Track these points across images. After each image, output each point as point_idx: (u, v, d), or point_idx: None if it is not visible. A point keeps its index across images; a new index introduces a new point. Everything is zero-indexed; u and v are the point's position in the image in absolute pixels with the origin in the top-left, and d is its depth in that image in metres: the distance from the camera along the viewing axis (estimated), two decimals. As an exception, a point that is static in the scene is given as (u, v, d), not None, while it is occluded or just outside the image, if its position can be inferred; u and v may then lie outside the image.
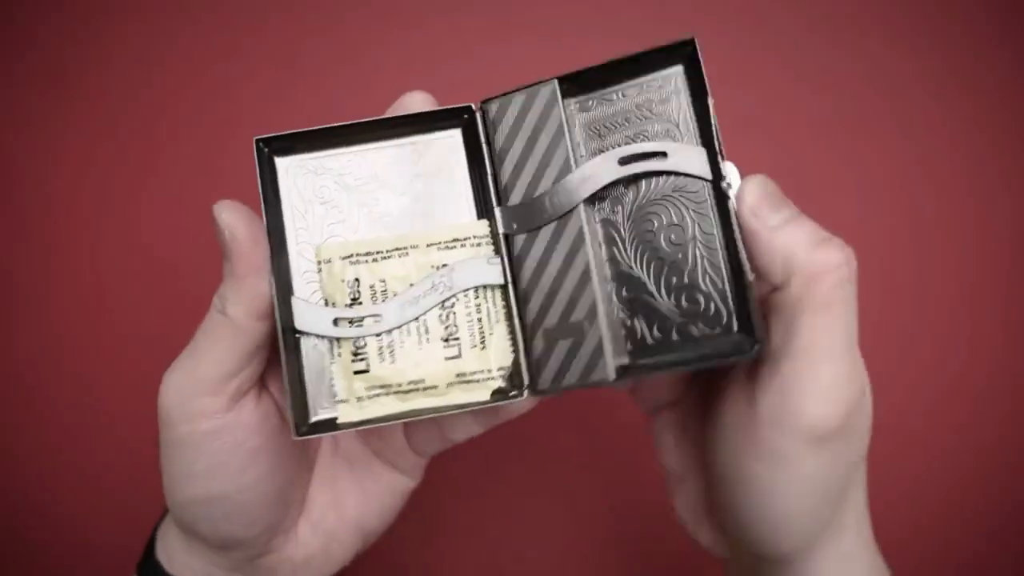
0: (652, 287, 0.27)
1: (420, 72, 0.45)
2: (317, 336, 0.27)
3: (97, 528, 0.46)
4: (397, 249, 0.28)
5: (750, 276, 0.25)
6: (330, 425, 0.27)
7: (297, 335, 0.27)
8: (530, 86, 0.28)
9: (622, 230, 0.27)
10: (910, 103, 0.44)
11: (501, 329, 0.27)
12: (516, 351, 0.27)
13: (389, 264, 0.27)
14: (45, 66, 0.47)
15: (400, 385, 0.27)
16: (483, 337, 0.27)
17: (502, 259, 0.27)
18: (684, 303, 0.26)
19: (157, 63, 0.46)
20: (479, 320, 0.27)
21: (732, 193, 0.26)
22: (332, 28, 0.46)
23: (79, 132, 0.46)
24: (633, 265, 0.27)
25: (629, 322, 0.27)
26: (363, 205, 0.28)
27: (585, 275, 0.26)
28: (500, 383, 0.27)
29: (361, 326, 0.27)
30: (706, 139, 0.26)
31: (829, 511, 0.26)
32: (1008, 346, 0.43)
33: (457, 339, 0.27)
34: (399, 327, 0.27)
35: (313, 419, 0.27)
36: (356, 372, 0.27)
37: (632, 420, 0.44)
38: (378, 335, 0.27)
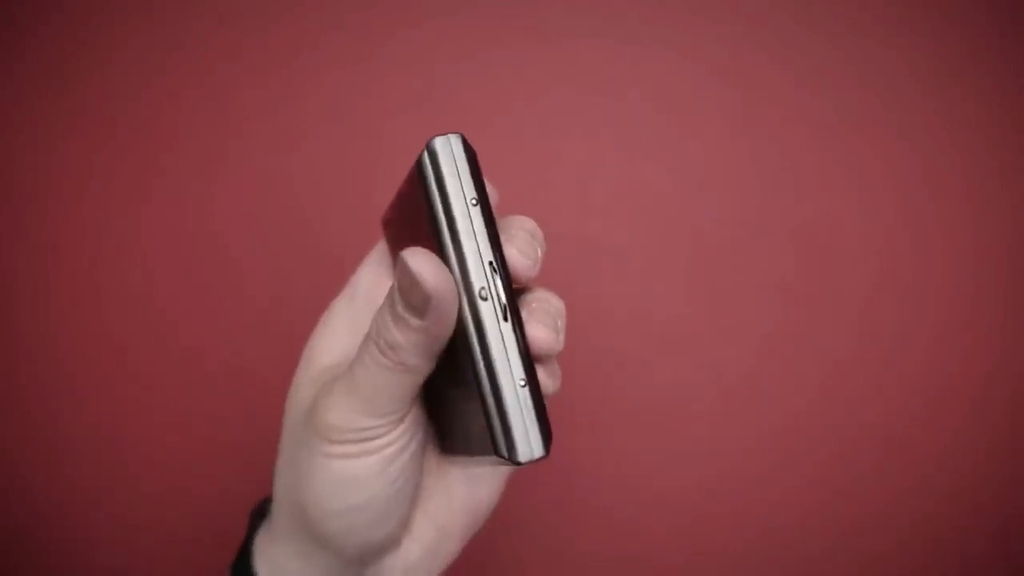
0: None
1: (420, 74, 0.46)
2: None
3: (97, 528, 0.46)
4: None
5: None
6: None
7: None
8: None
9: None
10: (909, 103, 0.44)
11: None
12: None
13: None
14: (45, 66, 0.47)
15: None
16: None
17: None
18: None
19: (157, 64, 0.46)
20: None
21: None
22: (333, 30, 0.46)
23: (79, 133, 0.46)
24: None
25: None
26: None
27: None
28: None
29: None
30: None
31: None
32: (1007, 346, 0.43)
33: None
34: None
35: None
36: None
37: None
38: None
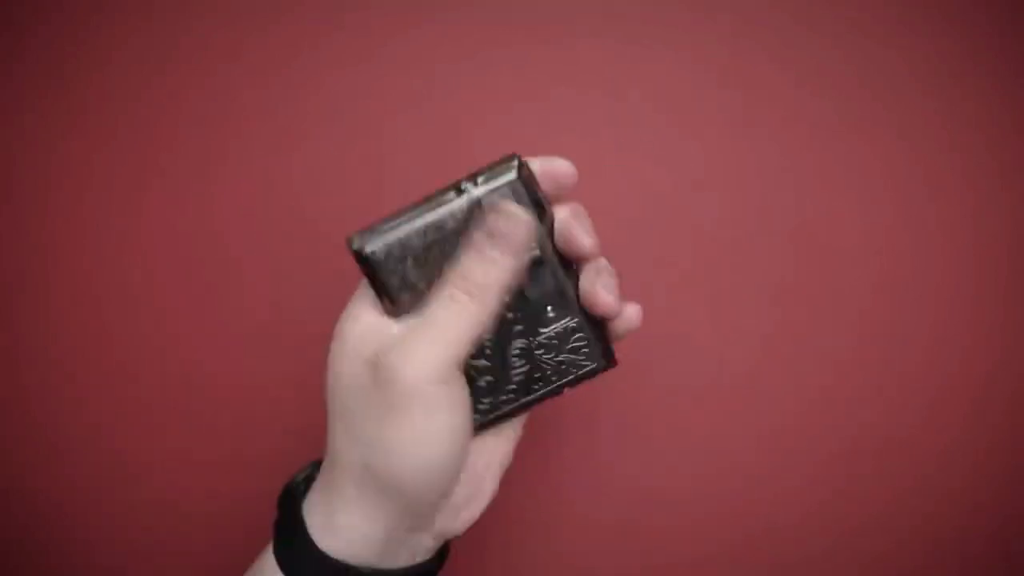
0: None
1: (420, 74, 0.46)
2: None
3: (97, 528, 0.46)
4: None
5: None
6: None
7: None
8: None
9: None
10: (909, 103, 0.44)
11: None
12: None
13: None
14: (45, 66, 0.47)
15: None
16: None
17: None
18: None
19: (157, 64, 0.46)
20: None
21: None
22: (333, 30, 0.46)
23: (79, 133, 0.46)
24: None
25: None
26: None
27: None
28: None
29: None
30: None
31: None
32: (1007, 346, 0.43)
33: None
34: None
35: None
36: None
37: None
38: None
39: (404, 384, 0.28)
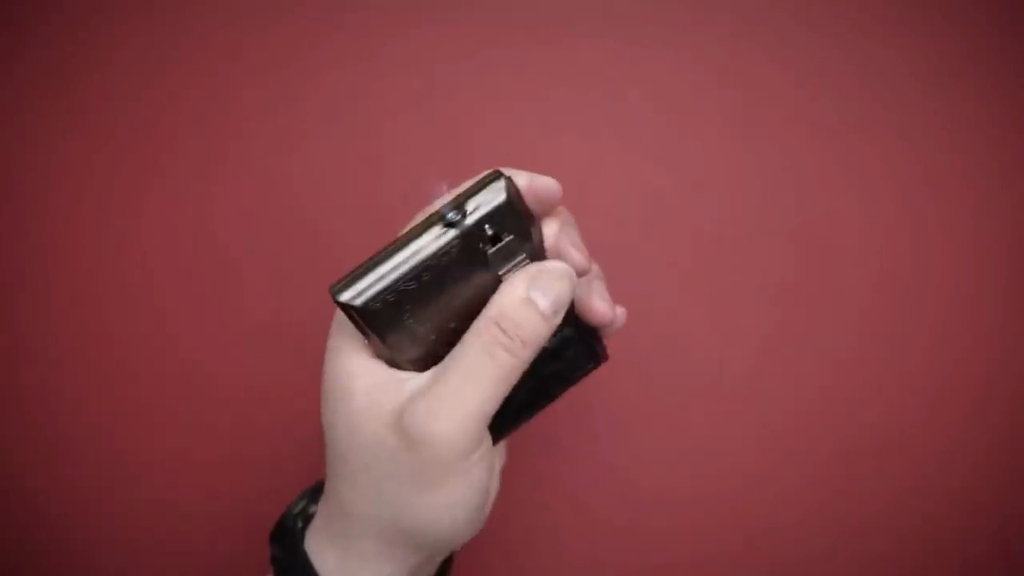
0: None
1: (420, 74, 0.46)
2: None
3: (97, 528, 0.46)
4: None
5: None
6: None
7: None
8: None
9: None
10: (909, 103, 0.44)
11: None
12: None
13: None
14: (45, 66, 0.47)
15: None
16: None
17: None
18: None
19: (157, 64, 0.46)
20: None
21: None
22: (333, 30, 0.46)
23: (79, 133, 0.46)
24: None
25: None
26: None
27: None
28: None
29: None
30: None
31: None
32: (1007, 346, 0.43)
33: None
34: None
35: None
36: None
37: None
38: None
39: (448, 454, 0.27)
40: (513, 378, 0.28)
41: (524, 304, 0.27)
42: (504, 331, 0.27)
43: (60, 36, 0.47)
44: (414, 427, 0.27)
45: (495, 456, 0.30)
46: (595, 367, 0.33)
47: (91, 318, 0.46)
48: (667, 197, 0.45)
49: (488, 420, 0.28)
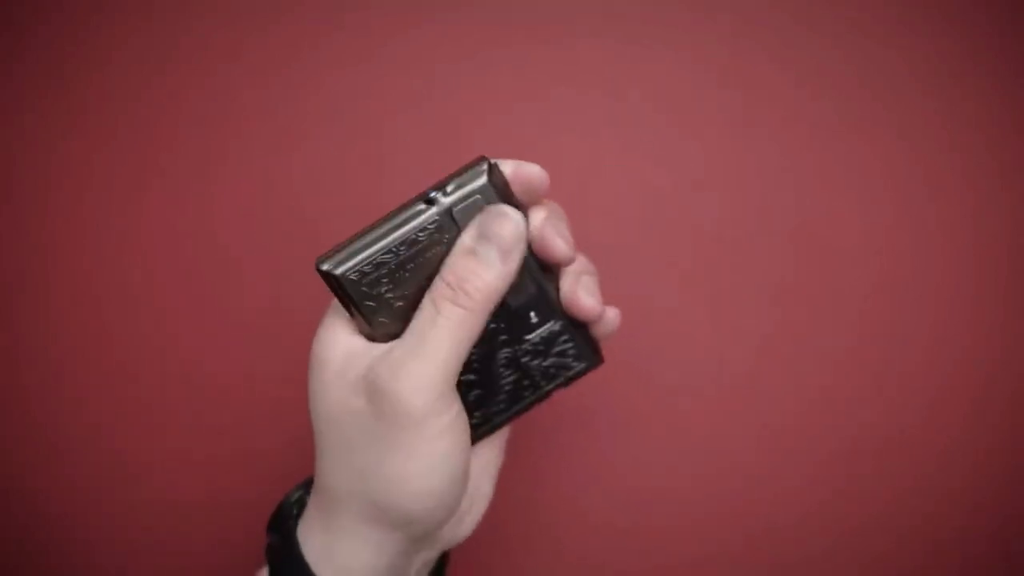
0: None
1: (420, 74, 0.46)
2: None
3: (97, 528, 0.46)
4: None
5: None
6: None
7: None
8: None
9: None
10: (909, 103, 0.44)
11: None
12: None
13: None
14: (45, 66, 0.47)
15: None
16: None
17: None
18: None
19: (157, 64, 0.46)
20: None
21: None
22: (333, 30, 0.46)
23: (79, 133, 0.46)
24: None
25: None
26: None
27: None
28: None
29: None
30: None
31: None
32: (1007, 346, 0.43)
33: None
34: None
35: None
36: None
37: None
38: None
39: (407, 412, 0.27)
40: (469, 331, 0.28)
41: (465, 253, 0.28)
42: (449, 284, 0.28)
43: (60, 36, 0.47)
44: (378, 387, 0.27)
45: (465, 428, 0.29)
46: (588, 369, 0.33)
47: (91, 318, 0.46)
48: (667, 197, 0.45)
49: (451, 379, 0.28)
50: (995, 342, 0.43)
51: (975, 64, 0.44)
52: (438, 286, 0.28)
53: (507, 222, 0.28)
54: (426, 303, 0.28)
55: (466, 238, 0.28)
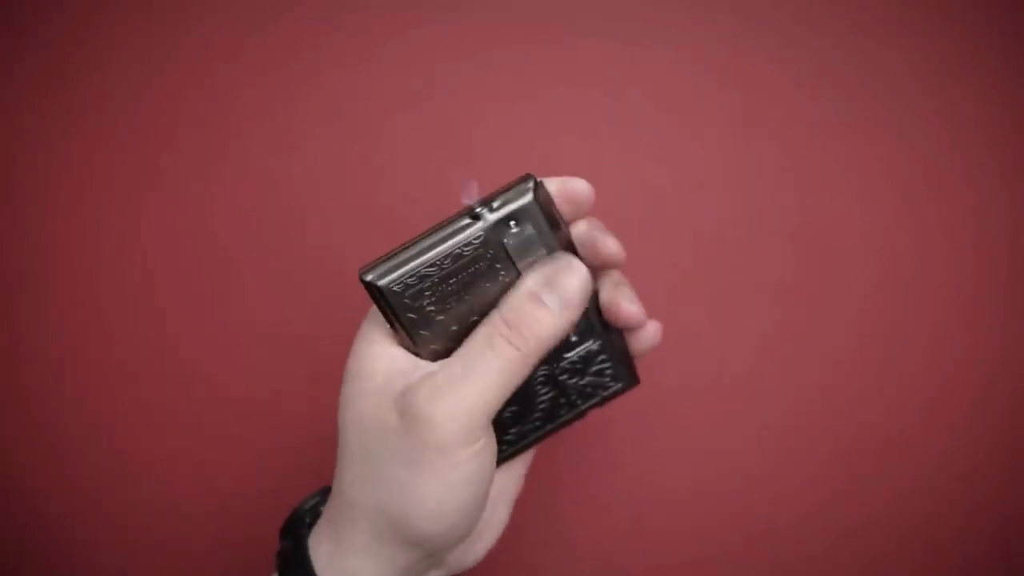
0: None
1: (420, 74, 0.46)
2: None
3: (97, 528, 0.46)
4: None
5: None
6: None
7: None
8: None
9: None
10: (909, 103, 0.44)
11: None
12: None
13: None
14: (45, 66, 0.47)
15: None
16: None
17: None
18: None
19: (157, 64, 0.46)
20: None
21: None
22: (333, 30, 0.46)
23: (79, 132, 0.46)
24: None
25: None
26: None
27: None
28: None
29: None
30: None
31: None
32: (1007, 346, 0.43)
33: None
34: None
35: None
36: None
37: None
38: None
39: (438, 436, 0.27)
40: (518, 373, 0.28)
41: (530, 298, 0.28)
42: (507, 323, 0.28)
43: (60, 36, 0.47)
44: (414, 407, 0.27)
45: (492, 457, 0.29)
46: (624, 389, 0.33)
47: (91, 318, 0.46)
48: (667, 197, 0.45)
49: (490, 414, 0.28)
50: (995, 342, 0.43)
51: (975, 64, 0.44)
52: (495, 321, 0.28)
53: (575, 277, 0.28)
54: (480, 335, 0.28)
55: (531, 282, 0.28)
